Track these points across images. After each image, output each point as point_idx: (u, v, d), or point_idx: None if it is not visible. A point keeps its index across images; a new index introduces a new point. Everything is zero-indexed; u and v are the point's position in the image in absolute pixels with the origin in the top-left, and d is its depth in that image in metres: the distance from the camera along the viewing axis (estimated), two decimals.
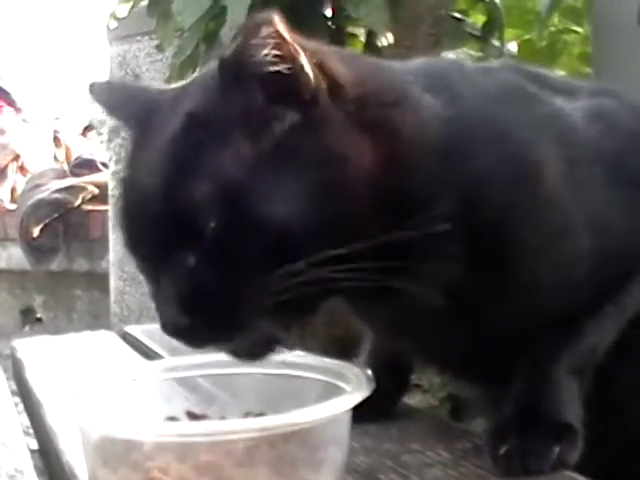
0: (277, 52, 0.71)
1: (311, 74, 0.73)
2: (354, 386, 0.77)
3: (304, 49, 0.73)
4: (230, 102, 0.74)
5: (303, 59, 0.72)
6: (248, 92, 0.73)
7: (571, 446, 0.83)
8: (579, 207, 0.85)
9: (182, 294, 0.73)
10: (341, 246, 0.72)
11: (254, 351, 0.79)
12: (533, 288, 0.85)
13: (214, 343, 0.77)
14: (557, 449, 0.81)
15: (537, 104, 0.89)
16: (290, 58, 0.72)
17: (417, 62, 0.92)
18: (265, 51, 0.71)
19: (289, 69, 0.72)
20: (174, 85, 0.90)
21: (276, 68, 0.72)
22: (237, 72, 0.73)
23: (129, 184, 0.78)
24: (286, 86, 0.73)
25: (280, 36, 0.71)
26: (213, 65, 0.78)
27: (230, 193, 0.71)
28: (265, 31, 0.71)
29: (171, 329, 0.74)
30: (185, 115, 0.75)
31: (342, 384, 0.79)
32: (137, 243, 0.76)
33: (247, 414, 0.81)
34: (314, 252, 0.72)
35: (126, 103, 0.85)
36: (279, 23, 0.71)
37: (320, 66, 0.75)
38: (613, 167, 0.89)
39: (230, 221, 0.71)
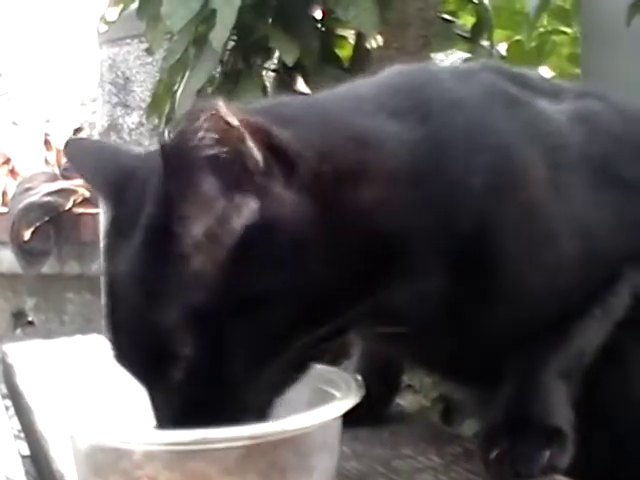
0: (221, 136, 0.68)
1: (259, 157, 0.70)
2: (344, 392, 0.77)
3: (252, 129, 0.70)
4: (178, 198, 0.70)
5: (249, 141, 0.69)
6: (194, 181, 0.69)
7: (561, 450, 0.83)
8: (563, 212, 0.85)
9: (175, 412, 0.72)
10: (322, 318, 0.73)
11: None
12: (519, 294, 0.84)
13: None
14: (547, 453, 0.81)
15: (519, 107, 0.88)
16: (235, 141, 0.69)
17: (384, 82, 0.89)
18: (209, 135, 0.68)
19: (236, 153, 0.69)
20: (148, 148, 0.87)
21: (222, 154, 0.69)
22: (178, 159, 0.69)
23: (108, 291, 0.76)
24: (236, 172, 0.70)
25: (222, 120, 0.68)
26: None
27: (198, 317, 0.69)
28: (206, 116, 0.67)
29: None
30: (145, 223, 0.72)
31: (332, 390, 0.79)
32: (123, 357, 0.75)
33: None
34: (302, 336, 0.72)
35: (99, 169, 0.82)
36: (222, 108, 0.68)
37: (269, 146, 0.71)
38: (598, 170, 0.88)
39: (204, 344, 0.70)
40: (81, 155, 0.86)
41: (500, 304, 0.84)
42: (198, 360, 0.70)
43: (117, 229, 0.76)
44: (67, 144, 0.87)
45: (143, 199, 0.73)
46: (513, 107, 0.88)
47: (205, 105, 0.69)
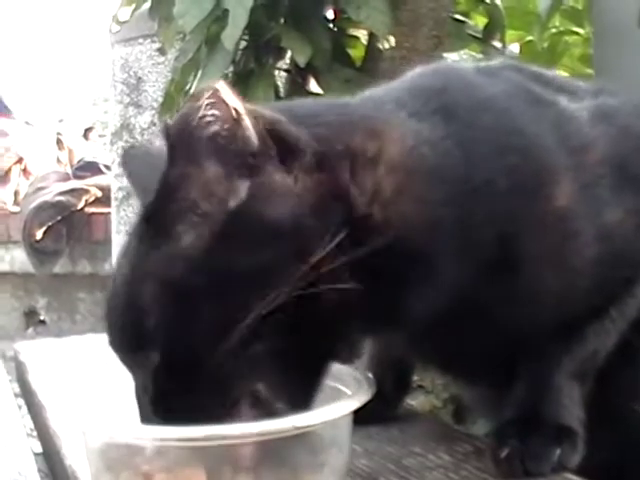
0: (216, 112, 0.70)
1: (254, 138, 0.71)
2: (355, 390, 0.77)
3: (251, 114, 0.71)
4: (180, 177, 0.71)
5: (246, 122, 0.71)
6: (197, 162, 0.71)
7: (572, 449, 0.83)
8: (586, 213, 0.84)
9: (152, 394, 0.72)
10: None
11: None
12: (541, 296, 0.84)
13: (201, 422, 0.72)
14: (558, 452, 0.82)
15: (543, 107, 0.87)
16: (230, 119, 0.70)
17: (407, 81, 0.90)
18: (204, 112, 0.69)
19: (228, 130, 0.70)
20: None
21: (215, 128, 0.70)
22: (182, 137, 0.71)
23: (114, 276, 0.77)
24: (232, 151, 0.71)
25: (220, 98, 0.69)
26: None
27: (175, 295, 0.70)
28: (207, 96, 0.69)
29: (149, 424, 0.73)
30: (144, 210, 0.74)
31: (343, 388, 0.79)
32: (113, 342, 0.76)
33: None
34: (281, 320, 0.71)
35: (144, 179, 0.83)
36: (222, 88, 0.70)
37: (270, 131, 0.72)
38: (619, 169, 0.87)
39: (179, 322, 0.70)
40: (134, 167, 0.87)
41: (521, 305, 0.84)
42: (170, 340, 0.71)
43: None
44: (123, 155, 0.88)
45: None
46: (538, 106, 0.87)
47: (207, 85, 0.70)
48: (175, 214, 0.72)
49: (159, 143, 0.75)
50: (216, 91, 0.70)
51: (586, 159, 0.86)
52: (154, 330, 0.71)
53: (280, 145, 0.73)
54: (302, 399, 0.74)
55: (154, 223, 0.73)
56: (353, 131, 0.78)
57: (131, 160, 0.88)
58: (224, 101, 0.70)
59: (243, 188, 0.71)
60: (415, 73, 0.92)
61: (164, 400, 0.72)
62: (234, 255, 0.71)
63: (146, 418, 0.73)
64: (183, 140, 0.71)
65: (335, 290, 0.72)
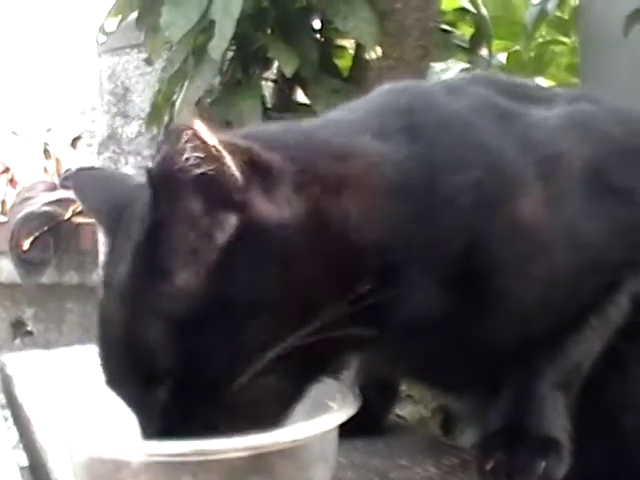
0: (199, 154, 0.70)
1: (238, 174, 0.72)
2: (341, 403, 0.77)
3: (229, 149, 0.71)
4: (168, 220, 0.72)
5: (228, 160, 0.71)
6: (181, 202, 0.72)
7: (558, 461, 0.83)
8: (557, 223, 0.84)
9: (159, 429, 0.73)
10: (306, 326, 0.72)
11: None
12: (513, 308, 0.84)
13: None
14: (543, 464, 0.81)
15: (509, 120, 0.87)
16: (214, 159, 0.71)
17: (372, 103, 0.90)
18: (189, 155, 0.70)
19: (216, 170, 0.71)
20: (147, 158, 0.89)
21: (201, 170, 0.70)
22: (166, 182, 0.72)
23: (101, 312, 0.78)
24: (217, 189, 0.71)
25: (200, 139, 0.70)
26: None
27: (180, 330, 0.71)
28: (186, 136, 0.69)
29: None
30: (132, 244, 0.74)
31: (329, 401, 0.80)
32: (112, 381, 0.76)
33: None
34: (283, 345, 0.71)
35: (100, 202, 0.84)
36: (199, 126, 0.70)
37: (250, 163, 0.73)
38: (592, 176, 0.87)
39: (188, 358, 0.71)
40: (86, 187, 0.88)
41: (494, 319, 0.84)
42: (180, 375, 0.71)
43: (111, 259, 0.78)
44: (74, 175, 0.89)
45: (130, 234, 0.75)
46: (503, 120, 0.87)
47: (183, 125, 0.70)
48: (167, 254, 0.72)
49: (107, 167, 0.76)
50: (194, 131, 0.69)
51: (555, 167, 0.85)
52: (163, 367, 0.71)
53: (261, 174, 0.74)
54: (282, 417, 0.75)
55: (145, 262, 0.73)
56: (320, 155, 0.79)
57: (81, 181, 0.88)
58: (204, 141, 0.70)
59: (230, 223, 0.72)
60: (382, 91, 0.93)
61: (171, 434, 0.72)
62: (234, 291, 0.71)
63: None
64: (166, 183, 0.72)
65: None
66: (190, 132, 0.70)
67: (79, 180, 0.88)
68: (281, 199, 0.74)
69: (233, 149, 0.72)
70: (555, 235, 0.84)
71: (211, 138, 0.70)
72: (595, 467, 0.91)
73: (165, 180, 0.72)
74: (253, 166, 0.73)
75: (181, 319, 0.71)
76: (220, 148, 0.71)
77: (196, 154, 0.70)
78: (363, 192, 0.78)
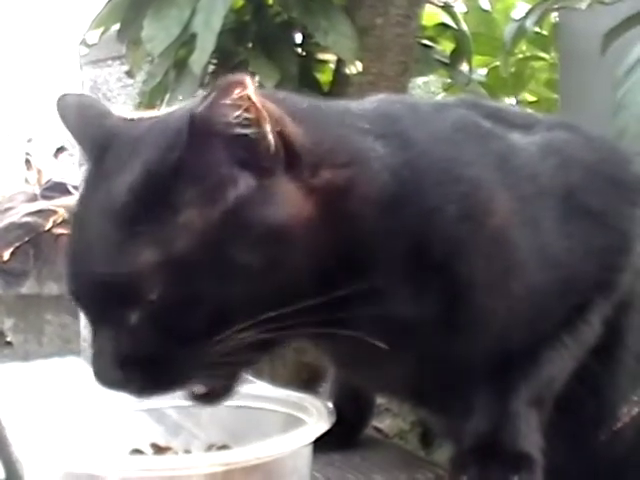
0: (247, 115, 0.72)
1: (272, 142, 0.75)
2: (315, 419, 0.78)
3: (269, 115, 0.74)
4: (192, 161, 0.74)
5: (267, 126, 0.74)
6: (214, 151, 0.74)
7: (530, 476, 0.84)
8: (531, 241, 0.86)
9: (119, 350, 0.73)
10: (283, 307, 0.74)
11: (207, 394, 0.80)
12: (486, 323, 0.85)
13: (150, 395, 0.76)
14: (516, 478, 0.82)
15: (490, 141, 0.89)
16: (257, 123, 0.73)
17: (373, 104, 0.92)
18: (237, 113, 0.72)
19: (255, 134, 0.73)
20: (144, 114, 0.89)
21: (244, 131, 0.73)
22: (207, 130, 0.73)
23: (77, 226, 0.78)
24: (249, 151, 0.74)
25: (250, 100, 0.72)
26: (179, 112, 0.78)
27: (174, 266, 0.72)
28: (237, 93, 0.72)
29: (104, 381, 0.75)
30: (142, 168, 0.74)
31: (303, 416, 0.80)
32: (79, 293, 0.76)
33: (210, 446, 0.82)
34: (254, 316, 0.73)
35: (88, 126, 0.85)
36: (251, 86, 0.72)
37: (281, 134, 0.76)
38: (566, 200, 0.89)
39: (172, 293, 0.72)
40: (70, 112, 0.87)
41: (467, 332, 0.85)
42: (160, 309, 0.72)
43: (96, 180, 0.78)
44: (59, 99, 0.88)
45: (126, 160, 0.76)
46: (484, 140, 0.89)
47: (236, 79, 0.72)
48: (181, 191, 0.73)
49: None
50: (246, 89, 0.72)
51: (532, 190, 0.88)
52: (143, 292, 0.72)
53: (287, 150, 0.76)
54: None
55: (156, 193, 0.74)
56: (338, 153, 0.81)
57: (66, 108, 0.88)
58: (254, 104, 0.72)
59: (248, 185, 0.74)
60: (375, 99, 0.94)
61: (129, 362, 0.73)
62: (234, 249, 0.73)
63: (102, 376, 0.74)
64: (207, 131, 0.73)
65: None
66: (241, 89, 0.71)
67: (64, 105, 0.88)
68: (298, 179, 0.77)
69: (272, 116, 0.75)
70: (530, 254, 0.86)
71: (259, 102, 0.73)
72: None
73: (207, 128, 0.73)
74: (283, 138, 0.76)
75: (178, 253, 0.72)
76: (264, 114, 0.73)
77: (243, 114, 0.72)
78: (361, 193, 0.80)
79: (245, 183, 0.74)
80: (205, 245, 0.72)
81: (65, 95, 0.88)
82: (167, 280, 0.72)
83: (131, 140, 0.78)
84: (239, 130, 0.73)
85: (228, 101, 0.72)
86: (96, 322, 0.76)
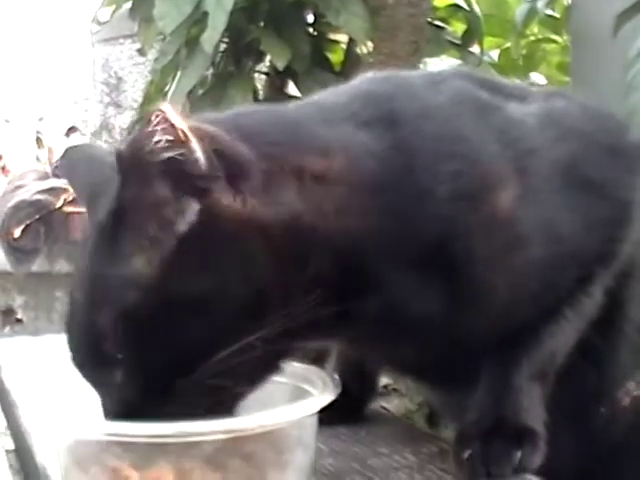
0: (168, 137, 0.69)
1: (203, 161, 0.71)
2: (320, 390, 0.78)
3: (197, 134, 0.71)
4: (131, 200, 0.72)
5: (194, 145, 0.70)
6: (147, 185, 0.71)
7: (533, 450, 0.84)
8: (532, 215, 0.85)
9: (120, 413, 0.73)
10: (269, 321, 0.72)
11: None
12: (489, 299, 0.85)
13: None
14: (519, 453, 0.83)
15: (488, 113, 0.88)
16: (181, 143, 0.70)
17: (355, 90, 0.90)
18: (157, 138, 0.69)
19: (181, 155, 0.70)
20: None
21: (168, 154, 0.70)
22: (134, 163, 0.71)
23: (71, 285, 0.78)
24: (182, 174, 0.71)
25: (168, 121, 0.69)
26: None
27: (130, 319, 0.71)
28: (156, 119, 0.69)
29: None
30: (95, 225, 0.75)
31: (309, 387, 0.81)
32: (74, 359, 0.76)
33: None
34: (242, 337, 0.71)
35: (83, 180, 0.84)
36: (168, 110, 0.70)
37: (217, 152, 0.72)
38: (566, 171, 0.88)
39: (137, 346, 0.71)
40: (73, 169, 0.88)
41: (470, 309, 0.84)
42: (131, 363, 0.72)
43: (84, 242, 0.78)
44: (65, 156, 0.88)
45: (102, 209, 0.75)
46: (482, 113, 0.88)
47: (154, 109, 0.70)
48: (126, 238, 0.72)
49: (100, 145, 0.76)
50: (163, 114, 0.69)
51: (532, 163, 0.86)
52: (113, 353, 0.72)
53: (228, 165, 0.73)
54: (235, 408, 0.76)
55: (106, 245, 0.73)
56: (302, 149, 0.79)
57: (73, 162, 0.88)
58: (172, 124, 0.70)
59: (192, 210, 0.72)
60: (363, 78, 0.93)
61: (127, 416, 0.72)
62: (187, 282, 0.71)
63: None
64: (135, 165, 0.71)
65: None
66: (160, 115, 0.69)
67: (68, 162, 0.88)
68: (246, 192, 0.73)
69: (202, 135, 0.72)
70: (530, 228, 0.85)
71: (180, 122, 0.70)
72: (567, 456, 0.92)
73: (133, 162, 0.71)
74: (221, 155, 0.73)
75: (131, 307, 0.70)
76: (188, 133, 0.70)
77: (165, 137, 0.69)
78: (343, 188, 0.79)
79: (191, 209, 0.72)
80: (160, 286, 0.71)
81: (70, 149, 0.88)
82: (128, 335, 0.71)
83: (108, 192, 0.76)
84: (165, 154, 0.70)
85: (148, 129, 0.70)
86: (94, 384, 0.76)
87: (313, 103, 0.88)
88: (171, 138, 0.70)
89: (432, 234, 0.81)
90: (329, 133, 0.81)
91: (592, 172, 0.90)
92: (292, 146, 0.79)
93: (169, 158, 0.70)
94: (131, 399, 0.73)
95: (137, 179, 0.71)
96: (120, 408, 0.73)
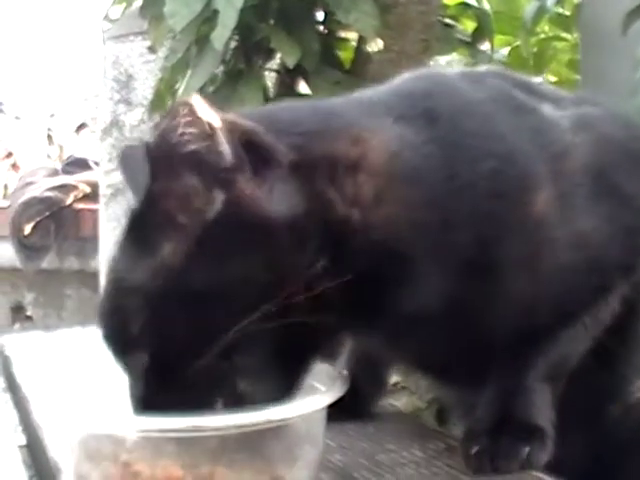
0: (193, 130, 0.72)
1: (228, 151, 0.73)
2: (329, 386, 0.79)
3: (227, 127, 0.73)
4: (161, 190, 0.74)
5: (220, 137, 0.72)
6: (176, 176, 0.73)
7: (541, 448, 0.85)
8: (562, 220, 0.85)
9: (145, 395, 0.75)
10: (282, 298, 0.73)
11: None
12: (514, 299, 0.85)
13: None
14: (527, 450, 0.83)
15: (526, 114, 0.89)
16: (206, 136, 0.72)
17: (395, 85, 0.91)
18: (182, 130, 0.72)
19: (207, 147, 0.72)
20: None
21: (194, 146, 0.72)
22: (162, 155, 0.74)
23: (108, 271, 0.80)
24: (208, 165, 0.73)
25: (195, 115, 0.71)
26: None
27: (155, 307, 0.73)
28: (182, 112, 0.72)
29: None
30: (128, 215, 0.77)
31: (317, 384, 0.81)
32: (105, 338, 0.78)
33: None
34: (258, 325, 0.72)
35: (134, 175, 0.85)
36: (197, 103, 0.72)
37: (245, 143, 0.74)
38: (597, 178, 0.88)
39: (160, 331, 0.73)
40: (130, 166, 0.88)
41: (495, 308, 0.85)
42: (156, 346, 0.73)
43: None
44: (121, 153, 0.90)
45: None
46: (520, 113, 0.88)
47: (182, 101, 0.72)
48: (155, 226, 0.74)
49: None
50: (192, 107, 0.71)
51: (565, 166, 0.87)
52: (139, 337, 0.74)
53: (254, 156, 0.74)
54: (282, 395, 0.76)
55: (137, 234, 0.76)
56: (335, 138, 0.80)
57: (127, 159, 0.89)
58: (200, 118, 0.72)
59: (219, 200, 0.73)
60: (402, 77, 0.94)
61: (152, 398, 0.75)
62: (213, 267, 0.72)
63: (137, 414, 0.76)
64: (163, 158, 0.74)
65: (318, 294, 0.74)
66: (187, 108, 0.71)
67: (125, 157, 0.89)
68: (274, 182, 0.75)
69: (232, 128, 0.74)
70: (560, 232, 0.85)
71: (207, 114, 0.72)
72: (576, 454, 0.93)
73: (161, 154, 0.74)
74: (250, 146, 0.75)
75: (157, 294, 0.72)
76: (216, 125, 0.72)
77: (190, 130, 0.72)
78: (377, 174, 0.79)
79: (218, 199, 0.73)
80: (185, 273, 0.72)
81: (126, 148, 0.91)
82: (153, 319, 0.73)
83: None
84: (191, 146, 0.72)
85: (174, 122, 0.72)
86: (123, 366, 0.78)
87: (351, 98, 0.89)
88: (197, 131, 0.72)
89: (467, 230, 0.82)
90: (365, 123, 0.82)
91: (621, 180, 0.90)
92: (324, 136, 0.80)
93: (195, 150, 0.72)
94: (156, 382, 0.74)
95: (166, 170, 0.74)
96: (146, 392, 0.75)
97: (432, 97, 0.87)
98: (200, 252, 0.73)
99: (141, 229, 0.76)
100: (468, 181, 0.82)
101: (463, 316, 0.84)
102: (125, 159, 0.90)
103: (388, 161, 0.80)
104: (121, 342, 0.76)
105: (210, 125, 0.72)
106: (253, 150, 0.75)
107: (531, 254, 0.85)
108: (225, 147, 0.73)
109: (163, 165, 0.74)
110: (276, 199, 0.74)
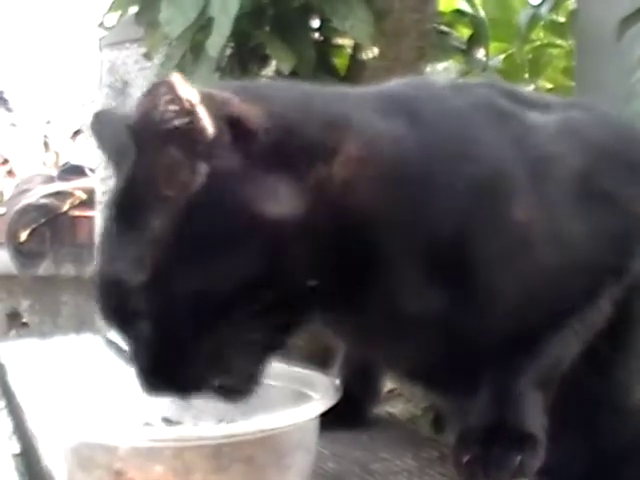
0: (174, 107, 0.72)
1: (209, 126, 0.74)
2: (321, 394, 0.79)
3: (204, 102, 0.73)
4: (147, 165, 0.75)
5: (199, 112, 0.73)
6: (162, 149, 0.74)
7: (532, 455, 0.84)
8: (544, 222, 0.85)
9: (142, 362, 0.76)
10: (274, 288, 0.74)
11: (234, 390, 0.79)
12: (495, 302, 0.85)
13: (190, 396, 0.77)
14: (518, 458, 0.83)
15: (507, 120, 0.89)
16: (186, 112, 0.73)
17: (383, 89, 0.92)
18: (162, 108, 0.72)
19: (188, 123, 0.73)
20: None
21: (176, 123, 0.73)
22: (146, 131, 0.74)
23: (99, 243, 0.81)
24: (190, 140, 0.74)
25: (174, 92, 0.72)
26: None
27: (151, 276, 0.73)
28: (162, 90, 0.72)
29: (145, 389, 0.77)
30: (116, 190, 0.78)
31: (310, 392, 0.81)
32: (103, 311, 0.79)
33: (220, 422, 0.83)
34: (249, 305, 0.74)
35: (112, 141, 0.86)
36: (176, 80, 0.72)
37: (225, 117, 0.75)
38: (582, 181, 0.88)
39: (160, 302, 0.74)
40: (102, 130, 0.90)
41: (478, 313, 0.85)
42: (155, 316, 0.74)
43: (109, 201, 0.80)
44: (93, 119, 0.90)
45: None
46: (501, 119, 0.89)
47: (161, 80, 0.73)
48: (142, 201, 0.75)
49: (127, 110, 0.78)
50: (171, 85, 0.72)
51: (547, 170, 0.87)
52: (138, 308, 0.75)
53: (234, 127, 0.76)
54: (254, 380, 0.77)
55: (124, 210, 0.77)
56: (312, 119, 0.81)
57: (100, 124, 0.90)
58: (178, 95, 0.72)
59: (203, 172, 0.74)
60: (392, 82, 0.95)
61: (152, 369, 0.76)
62: (201, 239, 0.74)
63: (142, 386, 0.77)
64: (147, 135, 0.74)
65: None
66: (166, 86, 0.72)
67: (98, 123, 0.90)
68: (255, 153, 0.76)
69: (209, 102, 0.74)
70: (542, 234, 0.85)
71: (186, 91, 0.73)
72: (574, 461, 0.93)
73: (145, 132, 0.74)
74: (231, 120, 0.76)
75: (151, 267, 0.73)
76: (194, 101, 0.73)
77: (171, 107, 0.72)
78: (354, 165, 0.80)
79: (201, 172, 0.74)
80: (175, 248, 0.73)
81: (99, 113, 0.91)
82: (150, 294, 0.74)
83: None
84: (173, 123, 0.73)
85: (155, 101, 0.73)
86: (125, 337, 0.78)
87: (337, 90, 0.90)
88: (177, 108, 0.72)
89: (443, 230, 0.82)
90: (347, 112, 0.83)
91: (607, 184, 0.90)
92: (305, 112, 0.81)
93: (177, 127, 0.73)
94: (158, 352, 0.75)
95: (150, 146, 0.74)
96: (148, 361, 0.76)
97: (416, 100, 0.88)
98: (188, 224, 0.74)
99: (127, 206, 0.76)
100: (449, 181, 0.82)
101: (442, 319, 0.84)
102: (98, 125, 0.90)
103: (364, 150, 0.81)
104: (122, 314, 0.77)
105: (190, 102, 0.73)
106: (231, 121, 0.76)
107: (510, 256, 0.85)
108: (206, 122, 0.74)
109: (147, 142, 0.75)
110: (260, 172, 0.75)
